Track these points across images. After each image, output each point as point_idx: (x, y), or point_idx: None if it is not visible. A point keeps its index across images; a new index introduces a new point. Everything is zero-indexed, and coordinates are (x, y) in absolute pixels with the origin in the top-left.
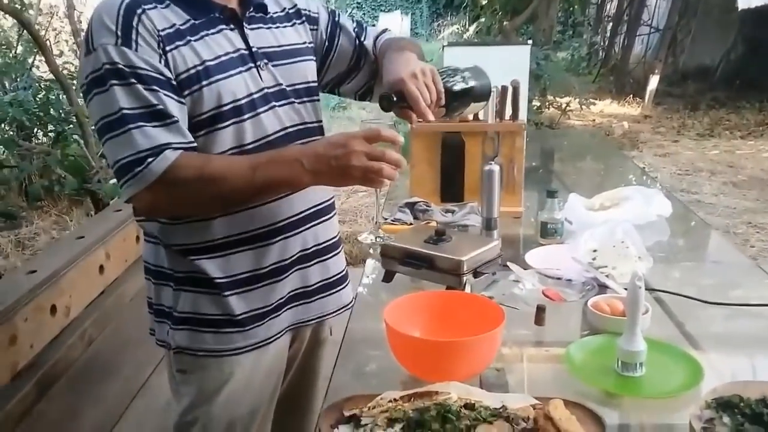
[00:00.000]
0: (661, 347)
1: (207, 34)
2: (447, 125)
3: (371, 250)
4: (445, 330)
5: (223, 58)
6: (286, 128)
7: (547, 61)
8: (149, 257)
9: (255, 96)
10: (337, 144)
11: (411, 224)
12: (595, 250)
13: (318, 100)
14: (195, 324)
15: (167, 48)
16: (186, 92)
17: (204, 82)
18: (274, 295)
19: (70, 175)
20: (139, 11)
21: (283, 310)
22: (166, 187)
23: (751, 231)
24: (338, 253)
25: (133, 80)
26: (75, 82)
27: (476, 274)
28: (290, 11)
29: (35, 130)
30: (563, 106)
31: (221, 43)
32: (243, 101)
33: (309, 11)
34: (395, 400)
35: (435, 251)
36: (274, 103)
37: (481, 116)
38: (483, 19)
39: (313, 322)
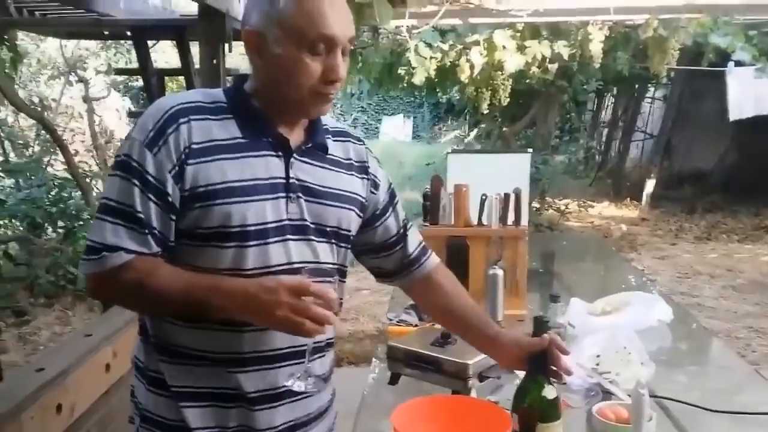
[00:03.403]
0: None
1: (247, 156)
2: (452, 230)
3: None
4: None
5: (249, 183)
6: (293, 263)
7: (545, 165)
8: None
9: (270, 225)
10: (268, 289)
11: (416, 326)
12: (598, 356)
13: (346, 247)
14: (155, 426)
15: (189, 161)
16: (196, 205)
17: (217, 201)
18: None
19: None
20: (182, 121)
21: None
22: (108, 281)
23: (753, 335)
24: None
25: (135, 181)
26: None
27: (481, 378)
28: (355, 163)
29: (45, 226)
30: (562, 208)
31: (257, 168)
32: (252, 228)
33: (376, 176)
34: None
35: (441, 354)
36: (288, 236)
37: (485, 221)
38: (483, 125)
39: None
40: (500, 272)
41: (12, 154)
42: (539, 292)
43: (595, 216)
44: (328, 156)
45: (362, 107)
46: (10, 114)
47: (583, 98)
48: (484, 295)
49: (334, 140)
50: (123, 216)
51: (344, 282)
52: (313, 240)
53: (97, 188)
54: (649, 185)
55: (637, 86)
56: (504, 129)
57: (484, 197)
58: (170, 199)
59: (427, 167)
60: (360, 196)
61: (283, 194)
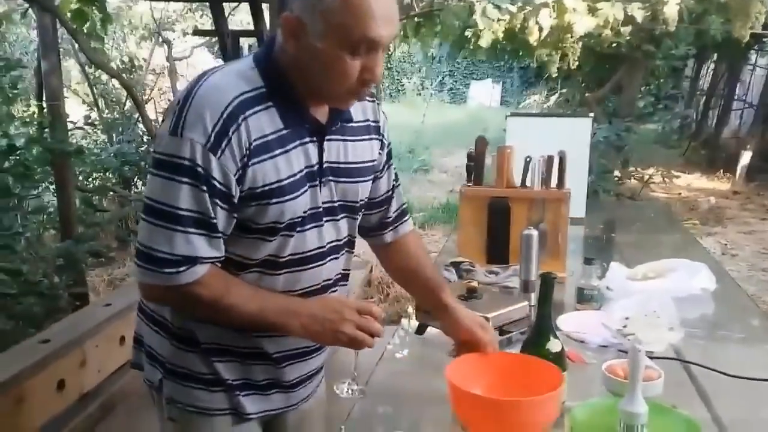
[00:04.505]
0: (667, 411)
1: (291, 149)
2: (493, 190)
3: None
4: (506, 391)
5: (297, 177)
6: (323, 246)
7: (629, 133)
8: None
9: (308, 213)
10: (332, 309)
11: (453, 282)
12: (627, 318)
13: (357, 218)
14: (184, 379)
15: (251, 162)
16: (253, 203)
17: (273, 200)
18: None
19: None
20: (241, 118)
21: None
22: (181, 295)
23: None
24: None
25: (204, 187)
26: None
27: (502, 332)
28: (372, 124)
29: (135, 179)
30: (645, 177)
31: (299, 159)
32: (297, 220)
33: (384, 135)
34: None
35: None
36: (322, 221)
37: (528, 183)
38: (565, 90)
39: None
40: (534, 233)
41: (106, 111)
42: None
43: (684, 187)
44: (350, 125)
45: (450, 71)
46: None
47: (678, 65)
48: (519, 254)
49: None
50: (194, 223)
51: (352, 253)
52: (338, 219)
53: None
54: (745, 157)
55: (736, 53)
56: (587, 95)
57: (528, 159)
58: (234, 200)
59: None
60: (374, 161)
61: (317, 181)
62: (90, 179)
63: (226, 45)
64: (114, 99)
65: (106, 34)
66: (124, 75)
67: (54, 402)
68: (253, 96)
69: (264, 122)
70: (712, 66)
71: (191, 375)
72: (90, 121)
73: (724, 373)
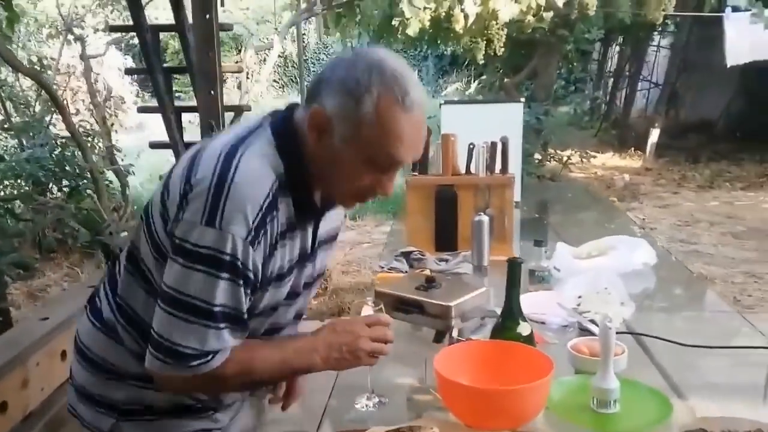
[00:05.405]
0: (634, 386)
1: (298, 234)
2: (441, 179)
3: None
4: (494, 379)
5: (297, 258)
6: (290, 318)
7: (547, 116)
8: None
9: (294, 291)
10: (344, 331)
11: (406, 272)
12: (579, 296)
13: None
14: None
15: (275, 249)
16: (268, 286)
17: (281, 284)
18: None
19: (84, 228)
20: (275, 209)
21: None
22: (207, 379)
23: (749, 281)
24: None
25: (241, 281)
26: (89, 139)
27: (465, 318)
28: None
29: (50, 185)
30: (564, 159)
31: (302, 243)
32: (284, 299)
33: None
34: None
35: (425, 297)
36: (300, 296)
37: (473, 170)
38: (485, 77)
39: None
40: (485, 219)
41: (14, 114)
42: (530, 240)
43: (599, 167)
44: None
45: None
46: (10, 74)
47: (587, 48)
48: (471, 241)
49: None
50: (227, 319)
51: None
52: (305, 292)
53: (98, 145)
54: (654, 135)
55: (641, 35)
56: (505, 80)
57: (471, 146)
58: (258, 286)
59: (429, 120)
60: (338, 226)
61: (309, 261)
62: (1, 187)
63: (146, 41)
64: (22, 102)
65: (13, 33)
66: None
67: None
68: (279, 184)
69: (284, 211)
70: (617, 49)
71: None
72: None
73: (680, 344)
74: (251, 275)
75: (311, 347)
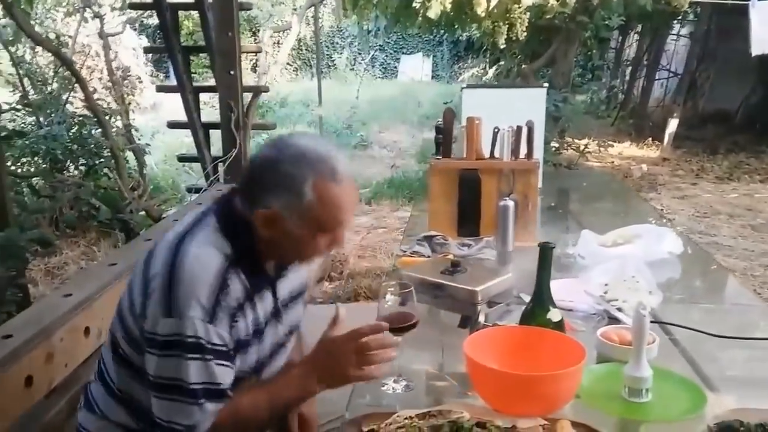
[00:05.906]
0: (667, 375)
1: (257, 302)
2: (463, 162)
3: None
4: (524, 365)
5: (263, 320)
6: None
7: (565, 104)
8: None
9: (273, 348)
10: (330, 353)
11: (428, 257)
12: (606, 284)
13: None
14: None
15: (235, 320)
16: (240, 353)
17: (248, 350)
18: None
19: (104, 206)
20: (226, 286)
21: None
22: None
23: None
24: None
25: (209, 356)
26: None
27: (490, 303)
28: None
29: (67, 163)
30: (581, 147)
31: (263, 308)
32: (266, 356)
33: None
34: (411, 417)
35: (451, 281)
36: (279, 353)
37: (497, 154)
38: (503, 62)
39: None
40: (511, 204)
41: (31, 91)
42: (554, 227)
43: (616, 156)
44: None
45: (380, 46)
46: (28, 51)
47: (606, 35)
48: (495, 226)
49: None
50: (206, 394)
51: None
52: (285, 343)
53: (115, 125)
54: (672, 125)
55: (661, 23)
56: (523, 66)
57: (496, 130)
58: (232, 353)
59: (448, 104)
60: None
61: (278, 319)
62: (18, 164)
63: (166, 18)
64: (40, 79)
65: (32, 9)
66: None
67: (23, 399)
68: (227, 264)
69: (237, 285)
70: (636, 37)
71: None
72: (26, 101)
73: (710, 334)
74: (221, 348)
75: (299, 374)
